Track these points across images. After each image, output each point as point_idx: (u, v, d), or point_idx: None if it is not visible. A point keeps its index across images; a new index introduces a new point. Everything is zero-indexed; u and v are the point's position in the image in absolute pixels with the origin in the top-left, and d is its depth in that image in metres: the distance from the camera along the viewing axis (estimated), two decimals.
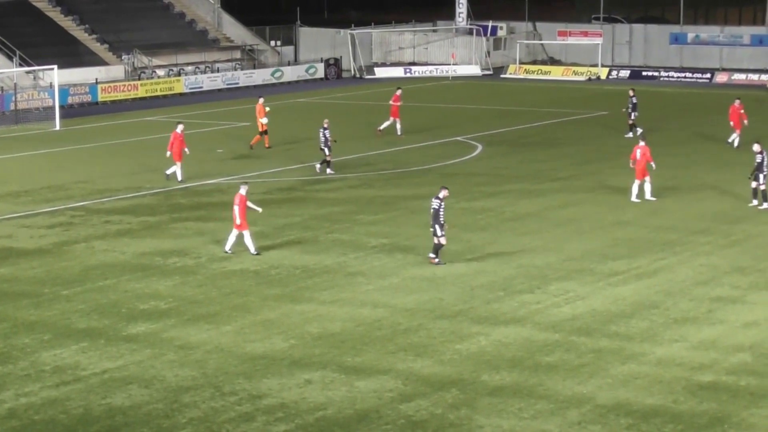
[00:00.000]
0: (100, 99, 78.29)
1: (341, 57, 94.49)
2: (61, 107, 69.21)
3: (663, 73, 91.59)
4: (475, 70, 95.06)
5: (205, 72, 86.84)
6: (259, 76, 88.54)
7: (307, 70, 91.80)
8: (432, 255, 35.34)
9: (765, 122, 61.62)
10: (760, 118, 62.28)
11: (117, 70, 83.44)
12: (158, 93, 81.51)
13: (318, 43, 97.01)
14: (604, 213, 42.43)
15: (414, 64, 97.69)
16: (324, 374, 26.30)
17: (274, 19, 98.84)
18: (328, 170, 50.44)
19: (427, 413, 24.08)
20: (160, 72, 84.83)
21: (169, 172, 49.22)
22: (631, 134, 59.07)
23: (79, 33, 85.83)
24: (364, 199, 45.54)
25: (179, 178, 48.93)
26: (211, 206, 44.44)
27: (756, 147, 43.13)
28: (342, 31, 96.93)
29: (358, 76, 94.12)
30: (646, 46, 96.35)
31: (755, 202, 42.70)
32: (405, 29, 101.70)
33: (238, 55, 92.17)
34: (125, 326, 29.90)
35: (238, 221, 36.56)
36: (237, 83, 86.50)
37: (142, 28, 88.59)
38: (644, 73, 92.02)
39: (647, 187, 43.79)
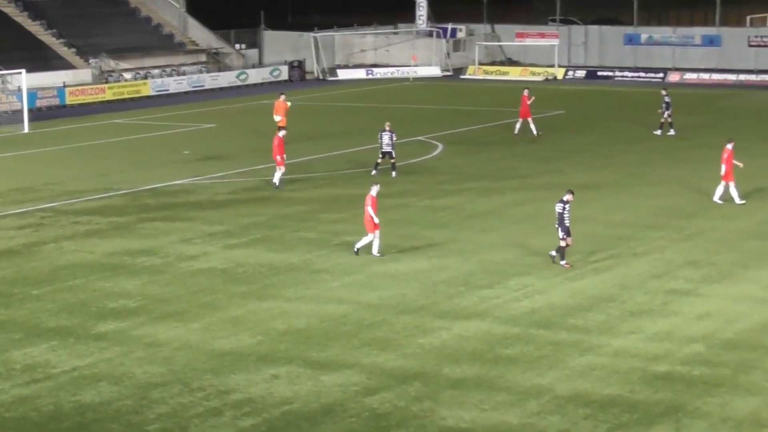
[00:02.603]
0: (68, 102, 77.89)
1: (305, 59, 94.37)
2: (30, 110, 68.85)
3: (618, 73, 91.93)
4: (435, 71, 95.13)
5: (171, 75, 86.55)
6: (225, 79, 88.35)
7: (271, 73, 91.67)
8: (563, 261, 34.47)
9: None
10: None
11: (84, 74, 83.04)
12: (125, 96, 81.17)
13: (282, 46, 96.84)
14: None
15: (376, 65, 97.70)
16: (290, 369, 26.29)
17: (239, 23, 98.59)
18: (393, 173, 49.23)
19: (390, 406, 24.10)
20: (127, 75, 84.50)
21: (276, 180, 47.52)
22: (660, 132, 59.14)
23: (47, 37, 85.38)
24: (328, 198, 45.51)
25: (277, 184, 47.22)
26: (178, 206, 44.32)
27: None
28: (305, 34, 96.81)
29: (321, 77, 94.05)
30: (601, 47, 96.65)
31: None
32: (367, 32, 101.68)
33: (203, 58, 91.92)
34: (94, 325, 29.79)
35: (376, 220, 35.87)
36: (203, 86, 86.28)
37: (109, 32, 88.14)
38: (599, 73, 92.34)
39: (733, 191, 42.58)
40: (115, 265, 35.68)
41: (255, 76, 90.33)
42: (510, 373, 25.86)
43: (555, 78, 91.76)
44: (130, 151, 58.72)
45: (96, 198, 46.09)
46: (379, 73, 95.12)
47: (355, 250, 36.15)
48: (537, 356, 26.93)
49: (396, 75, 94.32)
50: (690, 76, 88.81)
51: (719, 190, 42.81)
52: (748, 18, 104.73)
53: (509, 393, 24.67)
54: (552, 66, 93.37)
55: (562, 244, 34.38)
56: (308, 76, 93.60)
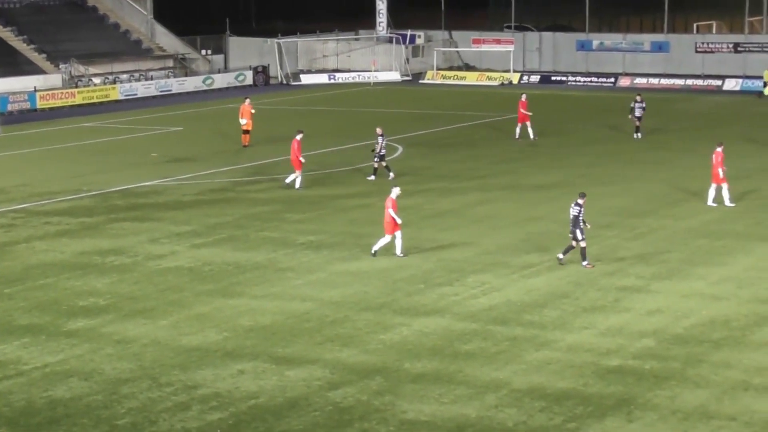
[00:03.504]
0: (38, 106, 77.37)
1: (269, 64, 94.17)
2: (1, 114, 68.41)
3: (570, 78, 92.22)
4: (395, 76, 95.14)
5: (139, 80, 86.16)
6: (191, 84, 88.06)
7: (236, 78, 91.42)
8: (585, 262, 34.15)
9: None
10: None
11: (55, 79, 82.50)
12: (94, 100, 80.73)
13: (247, 52, 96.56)
14: (518, 209, 42.65)
15: (337, 71, 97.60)
16: (256, 364, 26.22)
17: (205, 29, 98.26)
18: (371, 177, 48.78)
19: (353, 400, 24.08)
20: (96, 80, 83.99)
21: (288, 180, 47.11)
22: (638, 136, 59.03)
23: (18, 43, 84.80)
24: (292, 198, 45.43)
25: (297, 186, 46.77)
26: (147, 207, 44.14)
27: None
28: (269, 40, 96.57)
29: (284, 82, 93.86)
30: (554, 53, 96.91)
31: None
32: (329, 38, 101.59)
33: (170, 63, 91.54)
34: (65, 322, 29.61)
35: (399, 221, 35.50)
36: (170, 90, 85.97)
37: (79, 38, 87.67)
38: (553, 78, 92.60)
39: (725, 193, 42.31)
40: (85, 264, 35.49)
41: (220, 80, 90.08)
42: (468, 367, 25.88)
43: (510, 82, 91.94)
44: (100, 153, 58.43)
45: (66, 199, 45.82)
46: (340, 77, 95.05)
47: (373, 252, 35.70)
48: (494, 351, 26.97)
49: (357, 80, 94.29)
50: (640, 81, 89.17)
51: (711, 193, 42.55)
52: (695, 25, 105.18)
53: (468, 387, 24.69)
54: (507, 71, 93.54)
55: (583, 245, 34.13)
56: (272, 81, 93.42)
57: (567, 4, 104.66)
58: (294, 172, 47.05)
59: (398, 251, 35.62)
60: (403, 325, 28.97)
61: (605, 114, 71.14)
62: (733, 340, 27.53)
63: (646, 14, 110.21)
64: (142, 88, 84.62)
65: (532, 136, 58.89)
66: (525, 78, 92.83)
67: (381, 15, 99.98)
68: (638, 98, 60.05)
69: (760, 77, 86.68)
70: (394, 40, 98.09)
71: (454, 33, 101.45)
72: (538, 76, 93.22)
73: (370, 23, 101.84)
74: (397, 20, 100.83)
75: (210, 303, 31.17)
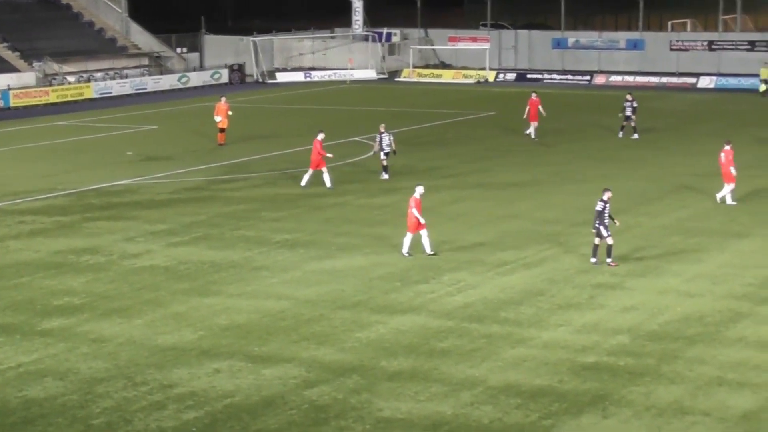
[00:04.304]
0: (12, 104, 77.16)
1: (244, 63, 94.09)
2: None
3: (546, 76, 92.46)
4: (371, 74, 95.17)
5: (114, 78, 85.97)
6: (167, 82, 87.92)
7: (212, 76, 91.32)
8: (609, 260, 33.99)
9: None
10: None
11: (29, 77, 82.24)
12: (69, 98, 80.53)
13: (222, 50, 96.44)
14: (493, 207, 42.73)
15: (313, 69, 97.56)
16: (232, 363, 26.22)
17: (180, 27, 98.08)
18: (385, 175, 48.42)
19: (329, 398, 24.10)
20: (71, 78, 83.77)
21: (327, 184, 46.43)
22: (633, 134, 58.96)
23: None
24: (267, 197, 45.41)
25: (328, 185, 46.26)
26: (122, 206, 44.05)
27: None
28: (245, 38, 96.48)
29: (260, 80, 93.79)
30: (530, 51, 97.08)
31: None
32: (304, 36, 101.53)
33: (145, 61, 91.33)
34: (40, 321, 29.53)
35: (423, 221, 35.31)
36: (145, 88, 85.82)
37: (53, 36, 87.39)
38: (529, 76, 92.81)
39: (727, 191, 42.31)
40: (59, 264, 35.40)
41: (196, 79, 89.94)
42: (444, 365, 25.94)
43: (486, 80, 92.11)
44: (74, 152, 58.27)
45: (41, 198, 45.69)
46: (316, 76, 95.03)
47: (407, 253, 35.50)
48: (470, 349, 27.03)
49: (333, 78, 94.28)
50: (615, 79, 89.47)
51: (726, 191, 42.46)
52: (669, 23, 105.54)
53: (444, 384, 24.74)
54: (483, 69, 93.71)
55: (609, 242, 33.93)
56: (248, 79, 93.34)
57: (543, 3, 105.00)
58: (308, 171, 46.66)
59: (427, 249, 35.43)
60: (380, 323, 29.00)
61: (580, 112, 71.34)
62: (707, 336, 27.66)
63: (621, 12, 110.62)
64: (117, 87, 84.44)
65: (533, 135, 58.78)
66: (501, 76, 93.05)
67: (357, 13, 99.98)
68: (629, 97, 59.99)
69: (735, 75, 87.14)
70: (370, 38, 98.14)
71: (431, 31, 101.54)
72: (514, 74, 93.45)
73: (346, 21, 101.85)
74: (373, 18, 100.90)
75: (185, 302, 31.14)
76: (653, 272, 33.52)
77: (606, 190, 34.66)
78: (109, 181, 49.04)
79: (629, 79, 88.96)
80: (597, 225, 34.08)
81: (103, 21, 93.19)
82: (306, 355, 26.73)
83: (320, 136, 46.98)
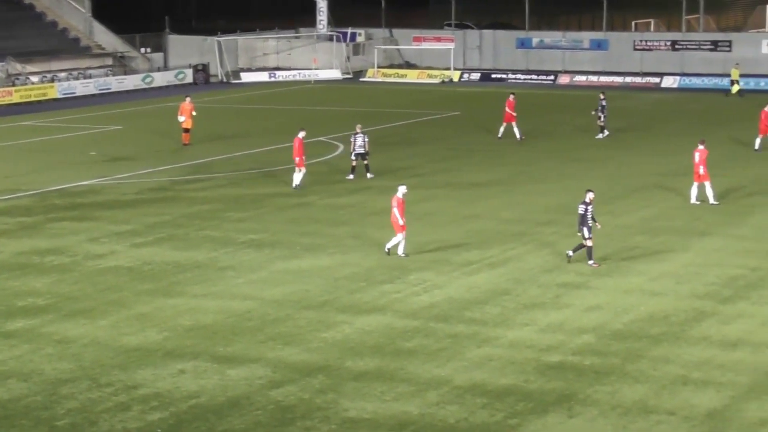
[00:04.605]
0: None
1: (209, 63, 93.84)
2: None
3: (511, 76, 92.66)
4: (335, 74, 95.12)
5: (77, 78, 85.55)
6: (131, 82, 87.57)
7: (176, 76, 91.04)
8: (591, 261, 33.93)
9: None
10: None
11: None
12: (32, 99, 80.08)
13: (186, 50, 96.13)
14: (458, 207, 42.78)
15: (278, 69, 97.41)
16: (197, 364, 26.13)
17: (144, 27, 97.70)
18: (368, 174, 48.29)
19: (295, 398, 24.07)
20: (34, 78, 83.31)
21: (297, 182, 46.40)
22: (601, 136, 58.92)
23: None
24: (232, 197, 45.31)
25: (295, 183, 46.26)
26: (86, 206, 43.85)
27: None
28: (209, 38, 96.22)
29: (225, 80, 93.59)
30: (494, 51, 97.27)
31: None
32: (269, 36, 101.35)
33: (109, 61, 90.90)
34: (3, 323, 29.34)
35: (401, 222, 35.01)
36: (109, 89, 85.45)
37: (16, 36, 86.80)
38: (493, 76, 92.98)
39: (709, 191, 42.19)
40: (23, 265, 35.19)
41: (160, 79, 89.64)
42: (410, 365, 25.94)
43: (451, 80, 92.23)
44: (38, 152, 57.96)
45: (4, 199, 45.40)
46: (281, 76, 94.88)
47: (386, 250, 35.44)
48: (436, 348, 27.05)
49: (298, 78, 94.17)
50: (579, 79, 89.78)
51: (693, 191, 42.48)
52: (633, 23, 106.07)
53: (410, 384, 24.74)
54: (448, 69, 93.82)
55: (589, 243, 33.92)
56: (212, 79, 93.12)
57: (507, 3, 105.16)
58: (299, 172, 46.49)
59: (400, 251, 35.31)
60: (345, 323, 28.98)
61: (544, 111, 71.51)
62: (671, 335, 27.79)
63: (585, 12, 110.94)
64: (81, 87, 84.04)
65: (518, 136, 58.35)
66: (465, 76, 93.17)
67: (321, 13, 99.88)
68: (601, 96, 60.07)
69: (698, 75, 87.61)
70: (334, 38, 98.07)
71: (395, 31, 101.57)
72: (479, 74, 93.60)
73: (310, 21, 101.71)
74: (337, 18, 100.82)
75: (150, 302, 31.02)
76: (618, 272, 33.64)
77: (588, 191, 34.59)
78: (72, 181, 48.81)
79: (593, 78, 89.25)
80: (581, 227, 34.01)
81: (66, 21, 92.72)
82: (272, 356, 26.68)
83: (301, 134, 46.84)
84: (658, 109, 73.23)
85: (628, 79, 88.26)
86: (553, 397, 23.93)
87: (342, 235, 38.53)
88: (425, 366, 25.85)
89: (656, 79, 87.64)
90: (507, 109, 58.90)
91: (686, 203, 42.62)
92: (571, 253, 34.36)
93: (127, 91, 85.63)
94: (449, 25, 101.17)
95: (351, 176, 48.23)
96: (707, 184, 42.26)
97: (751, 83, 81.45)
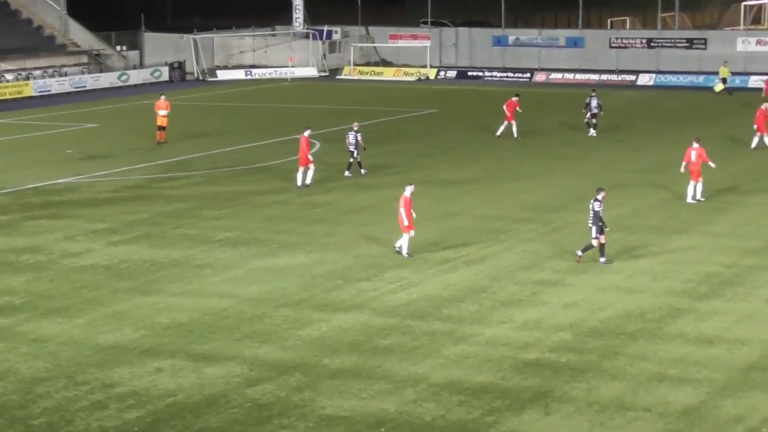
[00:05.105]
0: None
1: (185, 60, 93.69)
2: None
3: (487, 73, 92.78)
4: (312, 71, 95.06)
5: (53, 76, 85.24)
6: (106, 80, 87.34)
7: (152, 74, 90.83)
8: (602, 259, 33.82)
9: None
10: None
11: None
12: (7, 96, 79.75)
13: (162, 48, 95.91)
14: (435, 205, 42.77)
15: (254, 66, 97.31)
16: (174, 362, 26.08)
17: (120, 25, 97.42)
18: (362, 170, 48.37)
19: (272, 396, 24.04)
20: (9, 76, 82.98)
21: (308, 182, 45.99)
22: (594, 132, 58.84)
23: None
24: (208, 195, 45.23)
25: (299, 183, 45.86)
26: (62, 204, 43.70)
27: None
28: (185, 36, 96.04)
29: (201, 78, 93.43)
30: (471, 48, 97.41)
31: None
32: (245, 34, 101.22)
33: (85, 59, 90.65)
34: None
35: (406, 223, 34.79)
36: (84, 86, 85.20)
37: None
38: (470, 73, 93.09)
39: (699, 188, 42.22)
40: None
41: (136, 76, 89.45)
42: (387, 362, 25.95)
43: (427, 78, 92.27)
44: (13, 150, 57.74)
45: None
46: (257, 73, 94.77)
47: (397, 248, 35.22)
48: (413, 346, 27.06)
49: (274, 75, 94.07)
50: (555, 76, 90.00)
51: (690, 190, 42.42)
52: (608, 21, 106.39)
53: (387, 382, 24.75)
54: (424, 66, 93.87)
55: (603, 240, 33.81)
56: (188, 77, 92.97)
57: (483, 0, 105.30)
58: (303, 169, 46.18)
59: (404, 251, 35.13)
60: (322, 321, 28.97)
61: (522, 109, 71.49)
62: (648, 332, 27.87)
63: (561, 10, 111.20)
64: (57, 85, 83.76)
65: (499, 132, 58.21)
66: (441, 73, 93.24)
67: (297, 11, 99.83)
68: (593, 94, 60.02)
69: (673, 72, 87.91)
70: (310, 35, 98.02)
71: (371, 28, 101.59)
72: (455, 72, 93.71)
73: (286, 19, 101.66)
74: (313, 16, 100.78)
75: (127, 301, 30.94)
76: (594, 269, 33.71)
77: (600, 189, 34.52)
78: (48, 179, 48.64)
79: (569, 76, 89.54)
80: (591, 224, 33.90)
81: (41, 19, 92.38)
82: (248, 353, 26.64)
83: (306, 133, 46.75)
84: (633, 106, 73.41)
85: (604, 77, 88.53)
86: (530, 394, 23.97)
87: (318, 233, 38.52)
88: (402, 363, 25.85)
89: (632, 77, 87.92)
90: (508, 108, 58.44)
91: (663, 200, 42.75)
92: (603, 259, 34.07)
93: (103, 89, 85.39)
94: (425, 22, 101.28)
95: (347, 173, 48.23)
96: (693, 183, 42.32)
97: (726, 80, 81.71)
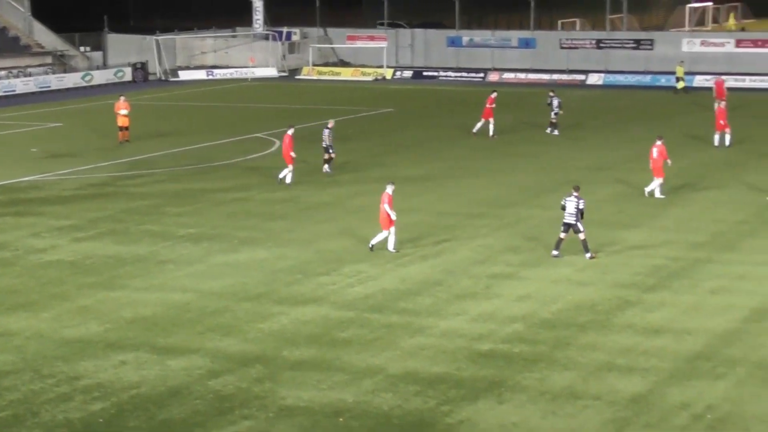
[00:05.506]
0: None
1: (147, 61, 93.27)
2: None
3: (442, 73, 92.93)
4: (272, 72, 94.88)
5: (18, 76, 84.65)
6: (70, 80, 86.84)
7: (115, 74, 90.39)
8: (588, 254, 33.76)
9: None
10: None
11: None
12: None
13: (125, 49, 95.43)
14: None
15: (215, 67, 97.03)
16: (137, 355, 26.01)
17: (83, 26, 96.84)
18: (326, 168, 48.18)
19: (233, 387, 24.02)
20: None
21: (281, 176, 46.01)
22: (556, 132, 58.85)
23: None
24: (171, 192, 45.08)
25: (288, 181, 45.72)
26: (27, 202, 43.44)
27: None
28: (147, 37, 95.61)
29: (163, 78, 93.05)
30: (426, 49, 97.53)
31: None
32: (206, 35, 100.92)
33: (49, 60, 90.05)
34: None
35: (393, 217, 34.55)
36: (49, 87, 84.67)
37: None
38: (425, 74, 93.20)
39: (656, 185, 42.42)
40: None
41: (100, 77, 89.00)
42: (346, 354, 25.98)
43: (384, 78, 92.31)
44: None
45: None
46: (218, 74, 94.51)
47: (370, 246, 35.03)
48: (371, 338, 27.10)
49: (235, 76, 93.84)
50: (508, 76, 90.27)
51: (651, 185, 42.60)
52: (559, 22, 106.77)
53: (345, 373, 24.78)
54: (381, 67, 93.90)
55: (583, 237, 33.76)
56: (151, 77, 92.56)
57: (438, 2, 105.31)
58: (286, 167, 46.17)
59: (390, 246, 34.99)
60: (282, 314, 28.97)
61: (476, 108, 71.67)
62: (597, 323, 28.03)
63: (513, 12, 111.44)
64: (21, 85, 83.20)
65: (475, 129, 58.28)
66: (398, 73, 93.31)
67: (257, 12, 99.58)
68: (551, 93, 60.15)
69: (621, 72, 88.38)
70: (270, 36, 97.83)
71: (330, 30, 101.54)
72: (411, 72, 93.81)
73: (247, 20, 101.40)
74: (273, 17, 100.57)
75: (92, 295, 30.82)
76: (546, 262, 33.87)
77: (577, 187, 34.42)
78: (14, 177, 48.33)
79: (522, 76, 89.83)
80: (575, 221, 33.86)
81: (5, 20, 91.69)
82: (210, 346, 26.61)
83: (290, 131, 46.61)
84: (583, 105, 73.71)
85: (555, 77, 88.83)
86: (484, 384, 24.06)
87: (279, 229, 38.49)
88: (360, 355, 25.89)
89: (582, 77, 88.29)
90: (487, 105, 58.54)
91: (611, 196, 42.97)
92: (588, 254, 33.94)
93: (67, 89, 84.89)
94: (382, 24, 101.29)
95: (326, 168, 48.14)
96: (659, 180, 42.51)
97: (672, 80, 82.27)
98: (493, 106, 58.69)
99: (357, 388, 23.90)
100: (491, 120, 58.45)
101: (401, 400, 23.28)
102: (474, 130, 58.53)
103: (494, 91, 60.70)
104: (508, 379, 24.31)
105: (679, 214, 40.25)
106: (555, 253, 34.19)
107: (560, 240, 34.17)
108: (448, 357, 25.71)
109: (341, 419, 22.40)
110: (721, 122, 54.00)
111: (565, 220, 33.97)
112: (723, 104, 55.58)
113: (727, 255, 34.57)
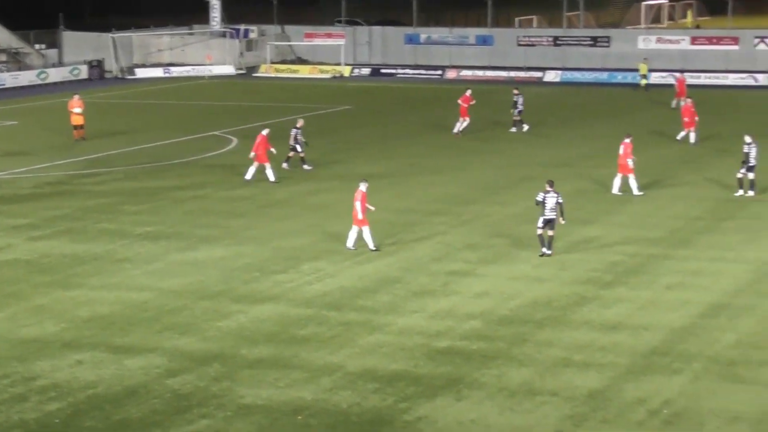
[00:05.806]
0: None
1: (104, 59, 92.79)
2: None
3: (400, 71, 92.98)
4: (229, 69, 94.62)
5: None
6: (25, 78, 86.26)
7: (71, 72, 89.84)
8: (550, 250, 33.75)
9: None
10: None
11: None
12: None
13: (81, 46, 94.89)
14: (350, 199, 42.58)
15: (172, 65, 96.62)
16: (94, 354, 25.88)
17: (38, 24, 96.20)
18: (305, 166, 48.23)
19: (191, 386, 23.96)
20: None
21: (248, 176, 45.64)
22: (526, 126, 58.82)
23: None
24: (128, 190, 44.88)
25: (272, 179, 45.44)
26: None
27: (747, 138, 41.88)
28: (103, 34, 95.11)
29: (120, 76, 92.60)
30: (384, 46, 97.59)
31: (741, 191, 41.94)
32: (163, 32, 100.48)
33: (3, 57, 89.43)
34: None
35: (360, 216, 34.48)
36: (3, 84, 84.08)
37: None
38: (383, 71, 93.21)
39: (616, 182, 42.52)
40: None
41: (55, 75, 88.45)
42: (304, 352, 25.97)
43: (342, 75, 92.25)
44: None
45: None
46: (175, 71, 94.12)
47: (352, 246, 34.80)
48: (329, 336, 27.10)
49: (192, 73, 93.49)
50: (466, 73, 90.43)
51: (617, 182, 42.64)
52: (516, 20, 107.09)
53: (303, 371, 24.77)
54: (339, 64, 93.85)
55: (552, 233, 33.80)
56: (107, 75, 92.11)
57: (395, 0, 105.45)
58: (253, 165, 45.83)
59: (371, 245, 34.80)
60: (240, 313, 28.91)
61: (434, 105, 71.87)
62: (554, 319, 28.15)
63: (471, 9, 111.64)
64: None
65: (456, 130, 57.79)
66: (356, 71, 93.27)
67: (214, 10, 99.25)
68: (516, 92, 60.08)
69: (578, 69, 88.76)
70: (228, 34, 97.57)
71: (287, 27, 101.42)
72: (369, 69, 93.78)
73: (204, 18, 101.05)
74: (230, 14, 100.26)
75: (48, 294, 30.64)
76: (504, 259, 33.98)
77: (551, 182, 34.41)
78: None
79: (479, 73, 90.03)
80: (555, 217, 33.85)
81: None
82: (168, 345, 26.52)
83: (265, 132, 46.45)
84: (541, 102, 73.93)
85: (513, 74, 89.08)
86: (442, 381, 24.11)
87: (237, 227, 38.40)
88: (318, 353, 25.89)
89: (539, 74, 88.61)
90: (462, 103, 58.43)
91: (568, 193, 43.09)
92: (546, 250, 34.00)
93: (22, 87, 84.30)
94: (339, 21, 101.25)
95: (307, 167, 48.23)
96: (631, 177, 42.61)
97: (629, 77, 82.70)
98: (473, 102, 58.47)
99: (315, 386, 23.89)
100: (467, 119, 58.09)
101: (360, 398, 23.29)
102: (455, 131, 58.16)
103: (468, 89, 60.54)
104: (465, 376, 24.37)
105: (636, 210, 40.47)
106: (544, 250, 34.08)
107: (541, 237, 34.16)
108: (407, 354, 25.75)
109: (300, 417, 22.40)
110: (686, 119, 54.27)
111: (546, 216, 34.01)
112: (689, 101, 55.80)
113: (683, 251, 34.81)
